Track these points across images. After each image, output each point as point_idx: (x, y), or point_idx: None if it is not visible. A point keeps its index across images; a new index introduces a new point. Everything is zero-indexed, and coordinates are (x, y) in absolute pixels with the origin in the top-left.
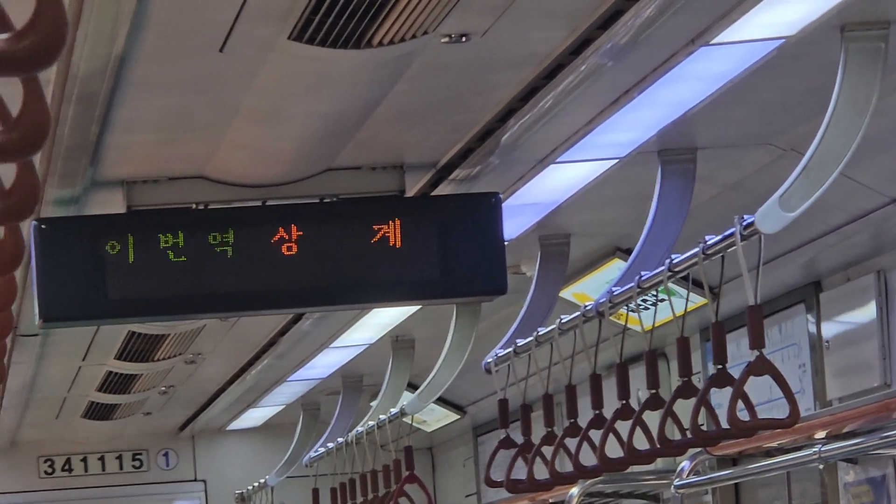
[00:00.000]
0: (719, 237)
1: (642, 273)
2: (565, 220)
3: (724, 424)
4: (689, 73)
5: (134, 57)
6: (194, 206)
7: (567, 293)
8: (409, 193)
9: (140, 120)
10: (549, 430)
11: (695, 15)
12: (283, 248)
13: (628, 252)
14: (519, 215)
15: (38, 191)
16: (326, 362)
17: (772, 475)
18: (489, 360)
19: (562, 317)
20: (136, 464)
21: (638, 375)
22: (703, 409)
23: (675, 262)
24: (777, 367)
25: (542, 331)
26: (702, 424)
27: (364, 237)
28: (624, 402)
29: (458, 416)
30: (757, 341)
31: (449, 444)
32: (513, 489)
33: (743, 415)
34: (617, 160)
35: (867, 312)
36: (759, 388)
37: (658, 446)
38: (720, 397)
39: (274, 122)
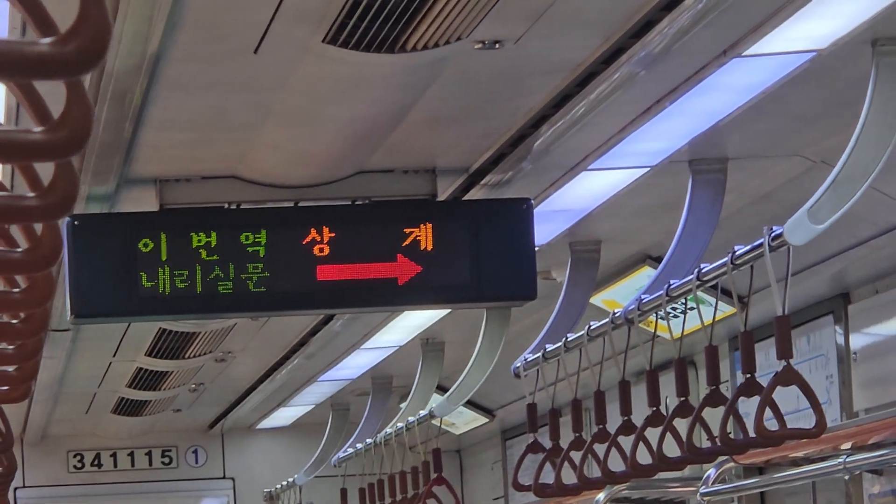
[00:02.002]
0: (748, 247)
1: (671, 281)
2: (596, 226)
3: (752, 433)
4: (720, 83)
5: (169, 56)
6: (227, 205)
7: (597, 300)
8: (441, 197)
9: (174, 119)
10: (578, 435)
11: (727, 26)
12: (315, 250)
13: (658, 260)
14: (550, 221)
15: (76, 189)
16: (356, 363)
17: (797, 485)
18: (518, 365)
19: (591, 323)
20: (166, 460)
21: (665, 383)
22: (731, 418)
23: (703, 271)
24: (804, 377)
25: (571, 336)
26: (730, 433)
27: (395, 240)
28: (654, 408)
29: (487, 420)
30: (784, 351)
31: (477, 447)
32: (541, 493)
33: (771, 424)
34: (648, 169)
35: (895, 325)
36: (787, 398)
37: (687, 453)
38: (749, 406)
39: (307, 123)
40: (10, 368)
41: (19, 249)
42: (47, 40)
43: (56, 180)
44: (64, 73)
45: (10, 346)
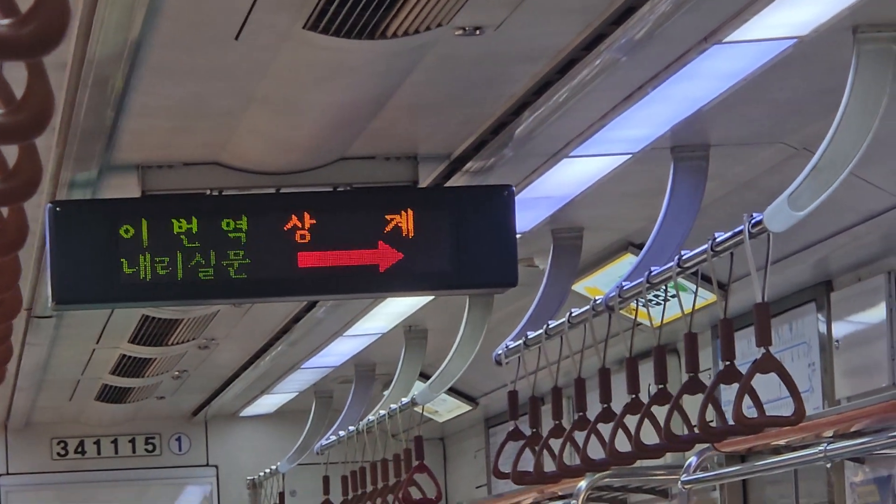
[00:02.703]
0: (728, 234)
1: (652, 268)
2: (578, 213)
3: (731, 421)
4: (702, 70)
5: (150, 43)
6: (208, 191)
7: (580, 287)
8: (423, 184)
9: (155, 105)
10: (557, 422)
11: (708, 13)
12: (296, 236)
13: (641, 247)
14: (532, 208)
15: (40, 173)
16: (340, 350)
17: (778, 473)
18: (500, 352)
19: (572, 310)
20: (149, 447)
21: (649, 370)
22: (711, 406)
23: (684, 257)
24: (786, 365)
25: (552, 324)
26: (711, 421)
27: (377, 226)
28: (633, 396)
29: (471, 408)
30: (764, 338)
31: (461, 434)
32: (519, 480)
33: (751, 412)
34: (630, 155)
35: (877, 313)
36: (771, 386)
37: (665, 441)
38: (731, 394)
39: (288, 110)
40: None
41: None
42: (5, 22)
43: (20, 163)
44: (21, 55)
45: None
